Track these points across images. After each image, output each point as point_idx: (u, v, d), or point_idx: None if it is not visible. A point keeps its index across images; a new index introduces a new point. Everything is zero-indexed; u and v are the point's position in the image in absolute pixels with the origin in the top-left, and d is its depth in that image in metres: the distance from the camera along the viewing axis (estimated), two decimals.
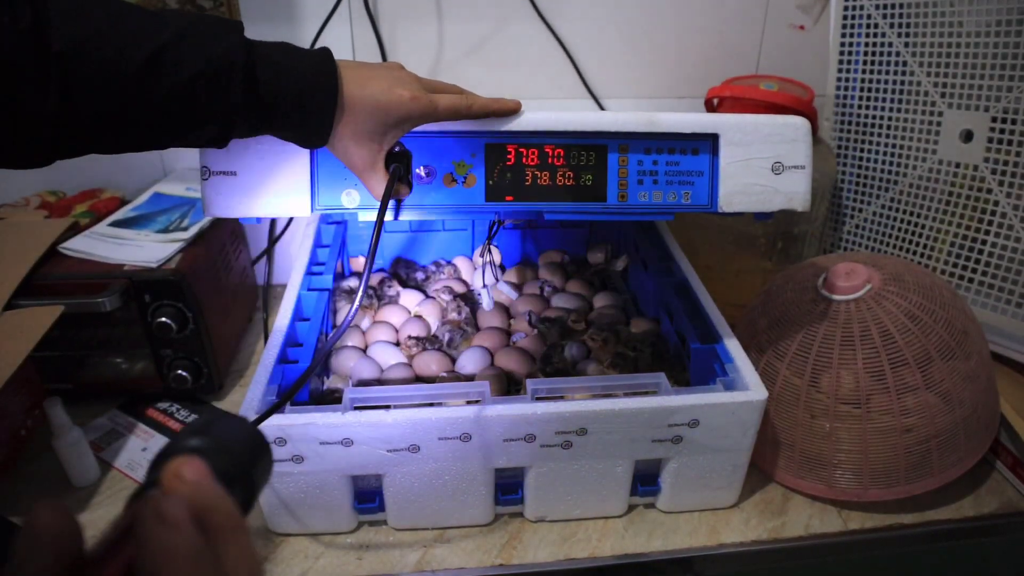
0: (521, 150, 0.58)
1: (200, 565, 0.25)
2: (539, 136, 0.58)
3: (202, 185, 0.57)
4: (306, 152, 0.57)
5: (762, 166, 0.59)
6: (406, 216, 0.60)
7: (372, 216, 0.55)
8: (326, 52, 0.52)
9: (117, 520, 0.26)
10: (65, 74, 0.43)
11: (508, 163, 0.59)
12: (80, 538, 0.24)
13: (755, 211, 0.60)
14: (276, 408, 0.51)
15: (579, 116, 0.58)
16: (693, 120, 0.59)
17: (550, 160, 0.59)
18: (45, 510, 0.24)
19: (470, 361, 0.79)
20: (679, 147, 0.60)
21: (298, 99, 0.49)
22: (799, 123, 0.59)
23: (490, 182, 0.59)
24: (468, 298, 0.92)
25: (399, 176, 0.55)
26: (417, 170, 0.58)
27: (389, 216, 0.56)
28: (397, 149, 0.55)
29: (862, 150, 0.98)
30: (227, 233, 0.95)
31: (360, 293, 0.53)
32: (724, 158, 0.59)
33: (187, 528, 0.25)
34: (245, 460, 0.32)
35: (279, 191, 0.58)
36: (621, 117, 0.59)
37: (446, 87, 0.58)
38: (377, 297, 0.92)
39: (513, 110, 0.57)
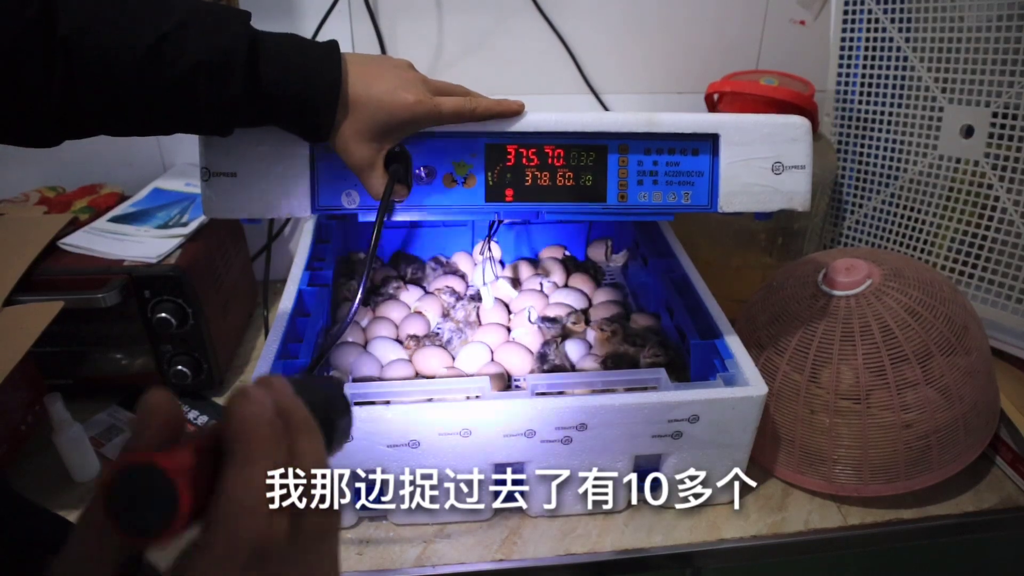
0: (521, 150, 0.58)
1: (274, 435, 0.28)
2: (539, 136, 0.58)
3: (202, 186, 0.57)
4: (306, 153, 0.57)
5: (762, 166, 0.59)
6: (406, 216, 0.60)
7: (372, 217, 0.55)
8: (333, 45, 0.51)
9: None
10: (69, 59, 0.44)
11: (508, 163, 0.58)
12: (182, 417, 0.28)
13: (755, 211, 0.60)
14: None
15: (579, 117, 0.58)
16: (693, 120, 0.59)
17: (550, 160, 0.58)
18: (158, 392, 0.27)
19: (470, 357, 0.79)
20: (679, 147, 0.59)
21: (300, 94, 0.49)
22: (799, 123, 0.59)
23: (490, 182, 0.59)
24: (468, 295, 0.92)
25: (399, 177, 0.55)
26: (417, 170, 0.58)
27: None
28: (397, 149, 0.55)
29: (862, 145, 0.98)
30: (227, 229, 0.94)
31: (360, 294, 0.53)
32: (724, 158, 0.59)
33: (266, 403, 0.28)
34: (327, 402, 0.34)
35: (279, 192, 0.58)
36: (621, 118, 0.59)
37: (452, 88, 0.57)
38: (377, 294, 0.92)
39: (516, 111, 0.57)
